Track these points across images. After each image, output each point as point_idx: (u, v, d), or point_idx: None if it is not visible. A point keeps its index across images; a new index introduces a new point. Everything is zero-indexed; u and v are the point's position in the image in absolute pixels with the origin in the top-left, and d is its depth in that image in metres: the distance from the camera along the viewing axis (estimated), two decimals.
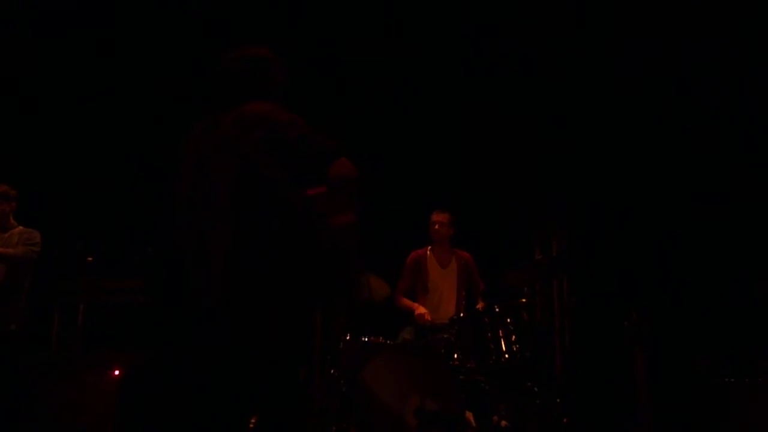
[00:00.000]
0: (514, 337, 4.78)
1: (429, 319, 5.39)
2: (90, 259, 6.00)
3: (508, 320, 4.82)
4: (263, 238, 2.52)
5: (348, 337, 4.82)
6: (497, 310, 4.85)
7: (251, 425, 2.73)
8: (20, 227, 5.43)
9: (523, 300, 5.12)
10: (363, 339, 4.80)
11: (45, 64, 6.33)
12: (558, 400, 4.91)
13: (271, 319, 2.54)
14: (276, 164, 2.60)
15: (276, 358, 2.57)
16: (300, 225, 2.60)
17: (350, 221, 2.62)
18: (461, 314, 4.99)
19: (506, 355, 4.71)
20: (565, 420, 4.78)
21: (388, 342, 4.91)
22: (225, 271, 2.53)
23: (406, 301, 5.67)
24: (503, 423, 4.59)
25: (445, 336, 4.92)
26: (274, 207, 2.57)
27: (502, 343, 4.76)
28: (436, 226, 5.82)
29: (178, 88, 6.32)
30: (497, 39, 6.30)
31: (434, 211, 5.90)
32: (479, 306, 5.64)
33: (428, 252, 5.90)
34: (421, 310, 5.48)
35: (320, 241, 2.60)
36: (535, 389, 4.83)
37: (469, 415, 4.63)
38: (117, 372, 4.63)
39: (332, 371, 4.75)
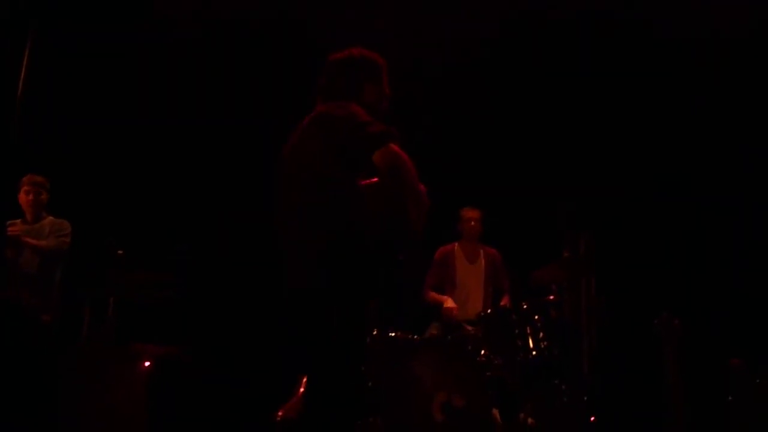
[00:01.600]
0: (541, 334, 4.75)
1: (456, 314, 5.39)
2: (120, 252, 6.05)
3: (536, 317, 4.80)
4: (329, 237, 2.74)
5: (375, 333, 4.82)
6: (525, 307, 4.83)
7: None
8: (50, 217, 5.51)
9: (551, 297, 5.09)
10: (390, 334, 4.80)
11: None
12: (585, 399, 4.88)
13: (347, 302, 2.78)
14: (334, 163, 2.78)
15: (348, 339, 2.80)
16: (353, 222, 2.77)
17: (406, 209, 2.75)
18: (488, 310, 4.97)
19: (534, 353, 4.69)
20: (592, 419, 4.75)
21: (416, 337, 4.90)
22: (308, 264, 2.79)
23: (435, 295, 5.68)
24: (530, 420, 4.58)
25: (473, 332, 4.92)
26: (335, 207, 2.77)
27: (530, 340, 4.74)
28: (472, 223, 5.82)
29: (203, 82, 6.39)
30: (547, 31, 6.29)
31: (465, 208, 5.89)
32: (503, 303, 5.63)
33: (456, 247, 5.90)
34: (449, 303, 5.48)
35: (363, 238, 2.75)
36: (563, 387, 4.80)
37: (495, 412, 4.62)
38: (147, 363, 4.68)
39: (359, 365, 4.75)
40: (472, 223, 5.82)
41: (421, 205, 2.83)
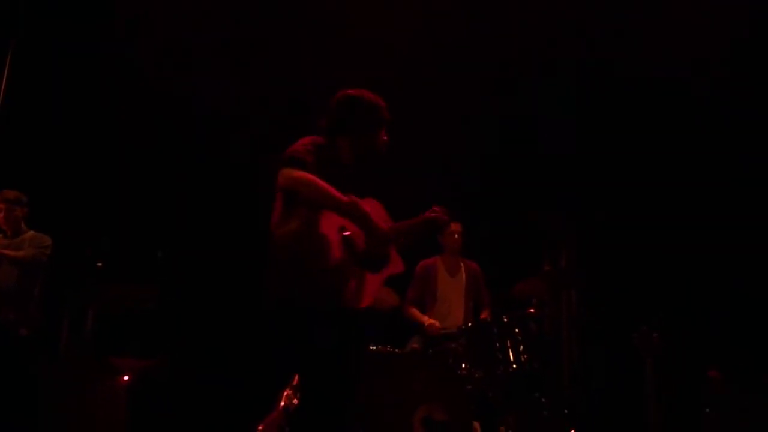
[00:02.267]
0: (522, 347, 4.76)
1: (438, 330, 5.38)
2: (100, 264, 6.03)
3: (517, 331, 4.81)
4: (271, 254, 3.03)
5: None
6: (505, 320, 4.84)
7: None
8: (31, 232, 5.48)
9: (532, 311, 5.11)
10: (371, 348, 4.80)
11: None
12: (566, 411, 4.90)
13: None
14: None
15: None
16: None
17: (287, 231, 2.97)
18: (469, 324, 4.99)
19: (514, 366, 4.70)
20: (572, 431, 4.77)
21: (397, 351, 4.91)
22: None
23: (415, 312, 5.66)
24: None
25: (453, 346, 4.93)
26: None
27: (510, 353, 4.75)
28: (455, 236, 5.82)
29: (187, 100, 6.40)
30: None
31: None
32: (484, 316, 5.64)
33: (437, 261, 5.90)
34: (430, 321, 5.46)
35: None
36: (543, 400, 4.82)
37: (476, 425, 4.63)
38: (126, 378, 4.65)
39: None
40: (456, 236, 5.83)
41: (364, 226, 3.04)
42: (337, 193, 2.97)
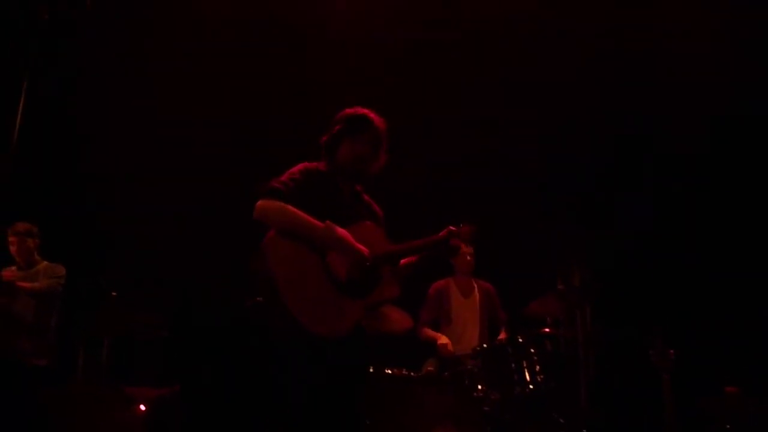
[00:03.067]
0: (538, 367, 4.75)
1: (451, 350, 5.36)
2: (114, 294, 6.06)
3: (532, 350, 4.79)
4: None
5: (371, 370, 4.80)
6: (521, 340, 4.83)
7: None
8: (45, 262, 5.52)
9: (547, 330, 5.10)
10: (386, 371, 4.78)
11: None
12: (584, 431, 4.86)
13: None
14: None
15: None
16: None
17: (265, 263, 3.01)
18: (484, 345, 4.96)
19: (530, 386, 4.68)
20: None
21: (412, 374, 4.89)
22: None
23: (429, 332, 5.64)
24: None
25: (469, 367, 4.90)
26: None
27: (526, 373, 4.73)
28: (468, 258, 5.81)
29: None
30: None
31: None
32: (501, 337, 5.62)
33: (450, 282, 5.89)
34: (443, 340, 5.45)
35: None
36: (561, 420, 4.78)
37: None
38: (143, 407, 4.65)
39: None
40: (468, 257, 5.82)
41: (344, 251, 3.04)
42: (311, 220, 2.97)
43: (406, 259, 3.38)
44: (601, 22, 6.25)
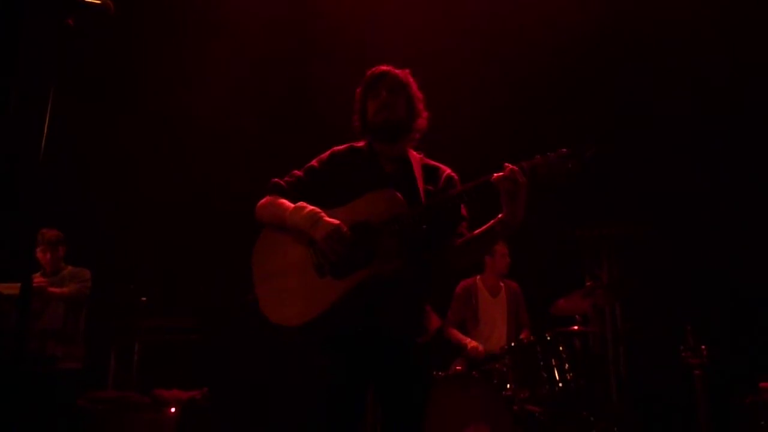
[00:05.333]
0: (567, 365, 4.72)
1: (482, 351, 5.32)
2: (144, 299, 6.13)
3: (561, 348, 4.76)
4: None
5: (435, 372, 4.80)
6: (549, 338, 4.80)
7: None
8: (70, 267, 5.57)
9: (576, 327, 5.06)
10: None
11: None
12: (615, 430, 4.82)
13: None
14: None
15: None
16: None
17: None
18: (513, 343, 4.94)
19: (560, 384, 4.65)
20: None
21: (440, 373, 4.88)
22: None
23: (457, 334, 5.61)
24: None
25: (498, 366, 4.88)
26: None
27: (555, 372, 4.70)
28: (498, 257, 5.77)
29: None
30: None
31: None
32: (524, 336, 5.54)
33: (478, 281, 5.86)
34: (473, 344, 5.40)
35: None
36: (591, 419, 4.75)
37: None
38: (173, 410, 4.69)
39: None
40: (499, 257, 5.78)
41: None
42: (286, 207, 2.78)
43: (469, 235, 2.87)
44: None
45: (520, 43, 6.37)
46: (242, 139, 6.78)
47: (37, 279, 5.40)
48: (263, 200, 2.89)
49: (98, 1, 2.42)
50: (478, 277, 5.89)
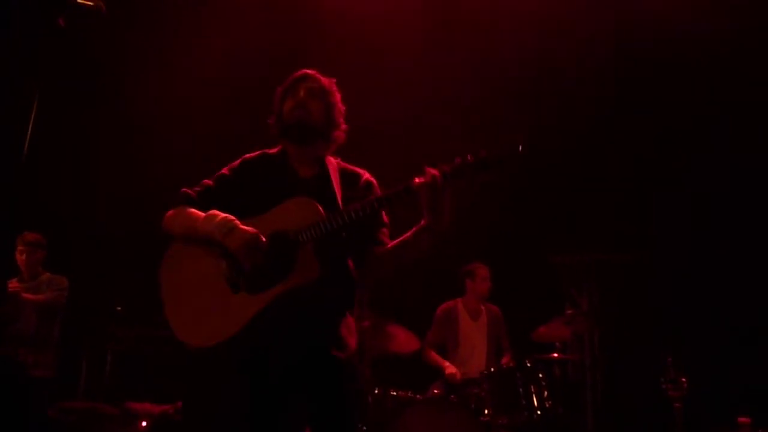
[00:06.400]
0: (546, 393, 4.69)
1: (459, 379, 5.27)
2: (119, 308, 6.03)
3: (540, 375, 4.73)
4: None
5: (377, 391, 4.75)
6: (528, 365, 4.76)
7: None
8: (48, 274, 5.50)
9: (555, 355, 5.03)
10: (392, 393, 4.73)
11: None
12: None
13: None
14: None
15: None
16: None
17: None
18: (492, 369, 4.90)
19: (538, 412, 4.62)
20: None
21: (418, 396, 4.82)
22: None
23: (436, 357, 5.56)
24: None
25: (476, 391, 4.84)
26: None
27: (534, 398, 4.67)
28: (480, 280, 5.75)
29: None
30: None
31: (478, 265, 5.82)
32: (505, 361, 5.51)
33: (458, 304, 5.82)
34: (451, 369, 5.34)
35: None
36: None
37: None
38: (144, 423, 4.60)
39: (361, 426, 4.68)
40: (481, 280, 5.76)
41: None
42: (196, 216, 2.59)
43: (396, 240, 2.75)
44: None
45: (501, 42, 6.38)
46: (231, 145, 6.69)
47: (12, 284, 5.32)
48: (170, 211, 2.68)
49: (90, 3, 2.37)
50: (459, 300, 5.85)
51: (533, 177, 6.55)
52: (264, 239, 2.49)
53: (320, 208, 2.53)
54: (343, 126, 2.85)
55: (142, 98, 6.54)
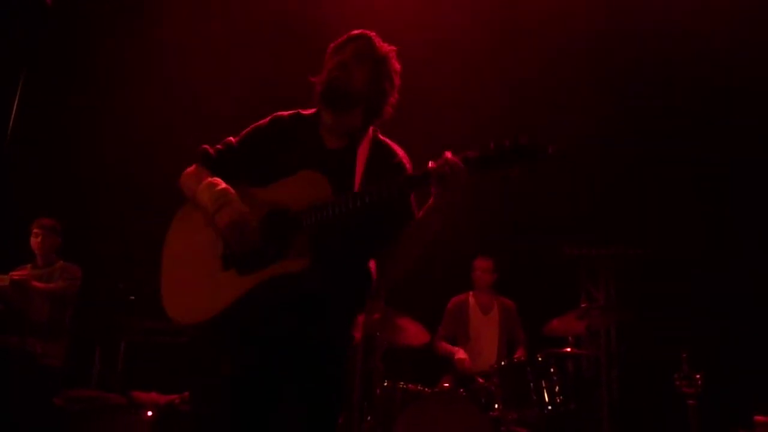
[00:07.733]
0: (557, 388, 4.59)
1: (469, 366, 5.22)
2: (132, 298, 6.04)
3: (552, 370, 4.64)
4: None
5: (386, 384, 4.71)
6: (540, 359, 4.68)
7: None
8: (62, 262, 5.51)
9: (568, 349, 4.94)
10: (401, 386, 4.68)
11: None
12: None
13: None
14: None
15: None
16: None
17: None
18: (503, 362, 4.82)
19: (549, 407, 4.54)
20: None
21: (427, 390, 4.77)
22: None
23: (446, 346, 5.53)
24: None
25: (486, 385, 4.77)
26: None
27: (545, 394, 4.58)
28: (478, 272, 5.71)
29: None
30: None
31: (478, 258, 5.80)
32: (517, 356, 5.43)
33: (470, 298, 5.77)
34: (461, 354, 5.32)
35: None
36: None
37: None
38: (150, 413, 4.59)
39: (369, 418, 4.65)
40: (479, 272, 5.71)
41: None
42: (199, 179, 2.41)
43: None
44: None
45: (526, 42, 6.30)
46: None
47: (25, 270, 5.34)
48: (189, 168, 2.50)
49: None
50: (470, 293, 5.80)
51: (550, 169, 6.45)
52: (254, 221, 2.29)
53: (329, 187, 2.30)
54: (392, 99, 2.58)
55: (147, 85, 6.55)
